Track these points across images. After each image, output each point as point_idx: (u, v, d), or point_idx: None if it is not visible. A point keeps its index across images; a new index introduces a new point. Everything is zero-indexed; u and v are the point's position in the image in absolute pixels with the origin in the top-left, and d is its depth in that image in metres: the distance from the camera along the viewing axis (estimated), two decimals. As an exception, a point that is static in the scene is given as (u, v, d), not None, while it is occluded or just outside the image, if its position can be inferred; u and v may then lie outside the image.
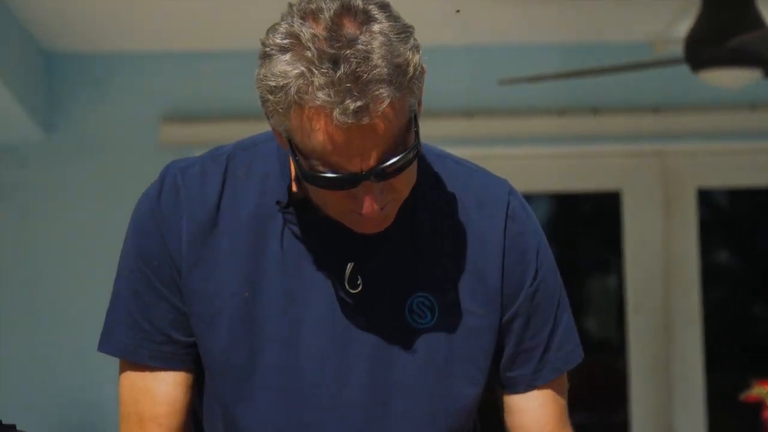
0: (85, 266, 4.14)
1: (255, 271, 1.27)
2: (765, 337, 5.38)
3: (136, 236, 1.30)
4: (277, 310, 1.26)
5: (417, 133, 1.18)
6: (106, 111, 4.84)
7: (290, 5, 1.16)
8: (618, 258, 5.00)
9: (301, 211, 1.26)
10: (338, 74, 1.10)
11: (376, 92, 1.11)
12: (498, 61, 4.75)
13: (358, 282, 1.25)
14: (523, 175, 4.87)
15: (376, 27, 1.12)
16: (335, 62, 1.10)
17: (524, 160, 5.08)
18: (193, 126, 4.33)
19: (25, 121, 4.70)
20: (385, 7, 1.16)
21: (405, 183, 1.20)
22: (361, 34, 1.12)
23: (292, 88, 1.11)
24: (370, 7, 1.14)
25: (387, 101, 1.11)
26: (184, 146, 4.22)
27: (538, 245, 1.32)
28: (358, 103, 1.10)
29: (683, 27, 3.79)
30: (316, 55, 1.10)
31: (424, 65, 1.18)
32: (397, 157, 1.15)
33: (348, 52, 1.10)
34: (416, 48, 1.15)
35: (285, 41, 1.12)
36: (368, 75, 1.10)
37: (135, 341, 1.27)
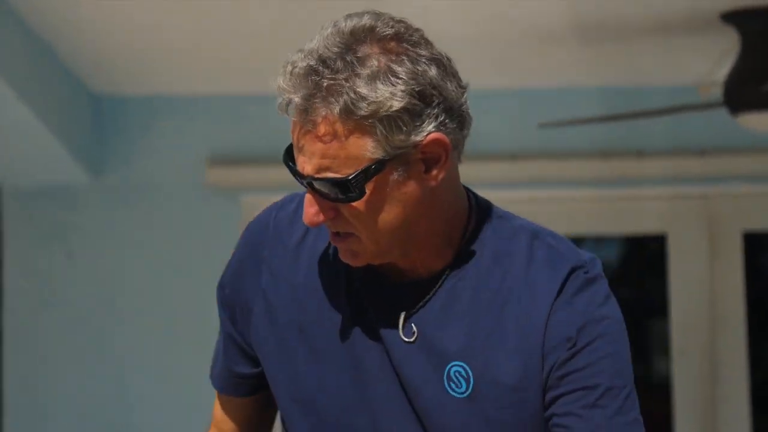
0: (132, 307, 4.16)
1: (322, 309, 1.28)
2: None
3: (223, 275, 1.37)
4: (335, 351, 1.27)
5: (364, 177, 1.15)
6: (153, 153, 4.84)
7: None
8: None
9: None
10: (296, 69, 1.15)
11: (323, 98, 1.14)
12: (542, 103, 4.71)
13: (414, 331, 1.23)
14: (568, 218, 4.99)
15: (381, 60, 1.14)
16: (301, 57, 1.16)
17: (568, 202, 5.06)
18: (239, 168, 4.34)
19: (72, 164, 4.73)
20: (416, 43, 1.16)
21: (355, 218, 1.18)
22: (333, 36, 1.16)
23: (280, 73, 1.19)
24: (366, 24, 1.16)
25: (333, 113, 1.13)
26: (230, 188, 4.25)
27: (586, 327, 1.21)
28: (306, 103, 1.14)
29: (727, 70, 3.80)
30: (309, 50, 1.16)
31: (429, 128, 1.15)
32: (332, 176, 1.15)
33: (328, 53, 1.14)
34: (404, 95, 1.14)
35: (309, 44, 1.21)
36: (327, 82, 1.14)
37: (215, 373, 1.38)
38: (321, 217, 1.19)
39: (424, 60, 1.16)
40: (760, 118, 3.70)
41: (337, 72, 1.14)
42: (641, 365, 5.24)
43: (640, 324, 5.40)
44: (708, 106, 3.80)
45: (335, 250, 1.25)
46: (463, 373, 1.23)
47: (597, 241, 5.61)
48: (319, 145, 1.16)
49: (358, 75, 1.14)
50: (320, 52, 1.15)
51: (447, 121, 1.17)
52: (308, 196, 1.19)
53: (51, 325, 4.26)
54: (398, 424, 1.26)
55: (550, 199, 5.08)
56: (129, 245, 4.44)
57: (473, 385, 1.22)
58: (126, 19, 3.99)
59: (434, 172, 1.17)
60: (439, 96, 1.16)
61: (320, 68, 1.14)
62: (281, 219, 1.31)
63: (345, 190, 1.16)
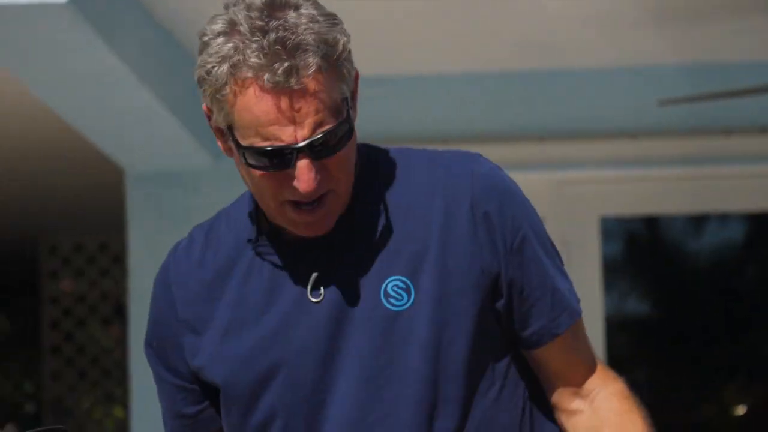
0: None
1: (242, 310, 1.37)
2: None
3: (147, 329, 1.45)
4: (270, 339, 1.36)
5: (349, 116, 1.26)
6: None
7: (226, 4, 1.28)
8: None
9: (274, 240, 1.35)
10: (267, 41, 1.20)
11: (304, 57, 1.21)
12: (661, 81, 4.75)
13: (321, 290, 1.33)
14: (691, 196, 5.04)
15: (303, 11, 1.24)
16: (265, 32, 1.21)
17: (690, 181, 4.97)
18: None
19: (196, 149, 4.84)
20: (314, 2, 1.27)
21: (340, 168, 1.27)
22: (290, 13, 1.24)
23: (227, 62, 1.22)
24: (300, 1, 1.26)
25: (314, 67, 1.21)
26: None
27: (508, 204, 1.38)
28: (286, 64, 1.20)
29: None
30: (248, 29, 1.22)
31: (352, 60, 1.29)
32: (331, 125, 1.22)
33: (277, 23, 1.21)
34: (344, 33, 1.26)
35: (222, 27, 1.24)
36: (295, 40, 1.21)
37: (165, 423, 1.47)
38: (318, 179, 1.26)
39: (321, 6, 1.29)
40: None
41: (299, 31, 1.22)
42: (765, 346, 5.33)
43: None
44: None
45: (253, 247, 1.35)
46: (402, 285, 1.35)
47: (721, 219, 5.57)
48: (312, 103, 1.23)
49: (317, 27, 1.23)
50: (270, 24, 1.22)
51: None
52: (303, 166, 1.25)
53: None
54: (349, 369, 1.35)
55: (670, 178, 5.02)
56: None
57: (414, 293, 1.34)
58: None
59: (355, 106, 1.31)
60: None
61: (285, 34, 1.21)
62: (178, 256, 1.41)
63: (348, 132, 1.26)
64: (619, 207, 5.21)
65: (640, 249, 5.95)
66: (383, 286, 1.35)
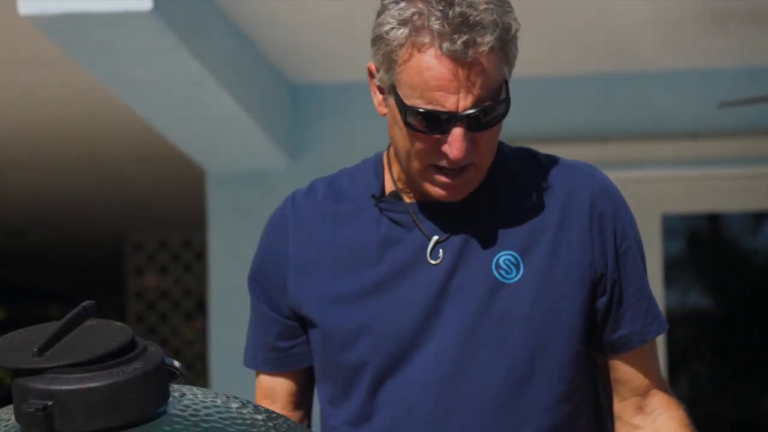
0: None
1: (360, 254, 1.46)
2: None
3: (256, 265, 1.53)
4: (379, 286, 1.44)
5: (508, 96, 1.35)
6: (347, 137, 4.96)
7: None
8: None
9: (396, 200, 1.44)
10: (451, 13, 1.28)
11: (483, 34, 1.29)
12: (722, 83, 4.72)
13: (439, 257, 1.42)
14: (754, 195, 5.00)
15: None
16: (450, 4, 1.29)
17: (751, 180, 4.94)
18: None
19: (271, 150, 4.90)
20: None
21: (487, 144, 1.35)
22: None
23: (407, 25, 1.30)
24: None
25: (489, 45, 1.29)
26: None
27: (619, 213, 1.46)
28: (465, 37, 1.27)
29: None
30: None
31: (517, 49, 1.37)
32: (490, 103, 1.31)
33: (461, 1, 1.29)
34: (516, 20, 1.34)
35: None
36: (477, 17, 1.28)
37: (252, 353, 1.55)
38: (466, 149, 1.33)
39: None
40: None
41: (480, 9, 1.30)
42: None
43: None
44: None
45: (377, 204, 1.44)
46: (512, 260, 1.43)
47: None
48: (480, 78, 1.31)
49: (496, 9, 1.31)
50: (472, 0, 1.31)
51: None
52: (457, 134, 1.32)
53: (247, 309, 3.97)
54: (453, 325, 1.42)
55: (730, 177, 4.98)
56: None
57: (523, 268, 1.42)
58: (319, 12, 4.42)
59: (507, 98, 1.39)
60: None
61: (468, 10, 1.29)
62: (298, 201, 1.49)
63: (503, 112, 1.35)
64: (680, 205, 5.22)
65: (701, 245, 5.95)
66: (496, 258, 1.42)
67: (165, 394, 0.93)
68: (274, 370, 1.55)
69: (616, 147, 4.78)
